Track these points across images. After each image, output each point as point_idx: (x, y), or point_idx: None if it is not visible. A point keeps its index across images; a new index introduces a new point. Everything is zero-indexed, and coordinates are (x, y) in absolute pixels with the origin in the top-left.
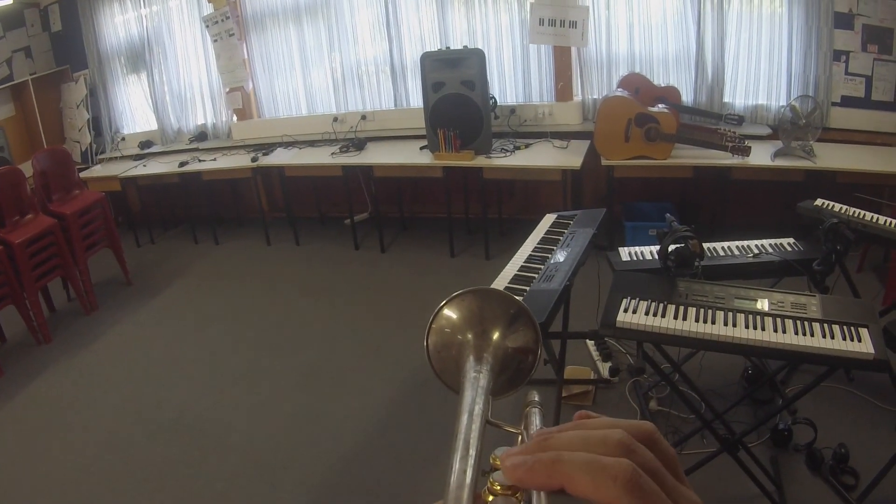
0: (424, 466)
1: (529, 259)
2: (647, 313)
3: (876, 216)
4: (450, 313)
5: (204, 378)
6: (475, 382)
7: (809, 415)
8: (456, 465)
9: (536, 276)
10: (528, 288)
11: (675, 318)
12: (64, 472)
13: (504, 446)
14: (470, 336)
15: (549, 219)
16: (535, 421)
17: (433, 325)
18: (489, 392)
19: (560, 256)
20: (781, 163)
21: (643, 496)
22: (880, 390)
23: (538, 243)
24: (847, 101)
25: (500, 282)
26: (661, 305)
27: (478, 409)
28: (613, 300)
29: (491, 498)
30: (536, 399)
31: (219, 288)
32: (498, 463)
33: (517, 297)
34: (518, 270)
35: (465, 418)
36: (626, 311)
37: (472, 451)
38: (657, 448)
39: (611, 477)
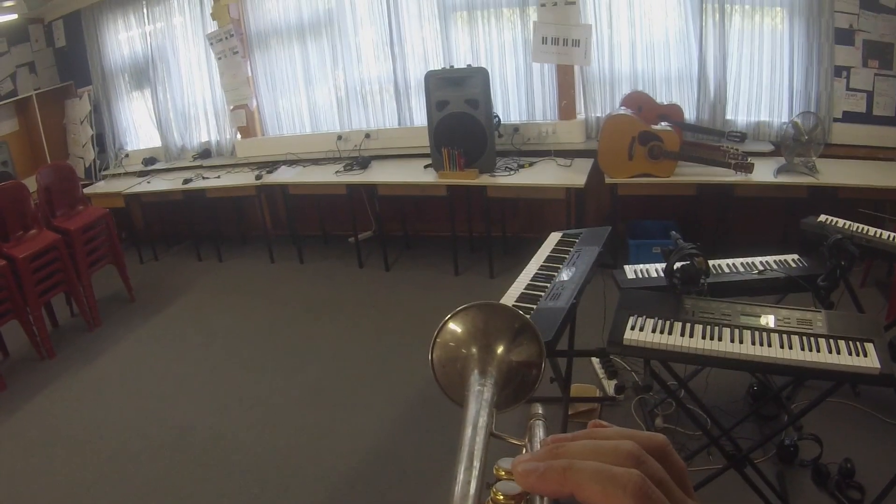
0: (428, 483)
1: (536, 277)
2: (654, 331)
3: (879, 231)
4: (454, 327)
5: (207, 395)
6: (479, 396)
7: (815, 430)
8: (460, 476)
9: (543, 294)
10: (535, 306)
11: (682, 335)
12: (65, 487)
13: (507, 457)
14: (474, 350)
15: (554, 237)
16: (539, 433)
17: (438, 340)
18: (493, 405)
19: (566, 275)
20: (784, 179)
21: None
22: (886, 405)
23: (544, 261)
24: (849, 117)
25: (507, 300)
26: (668, 323)
27: (482, 421)
28: (620, 318)
29: None
30: (540, 412)
31: (222, 305)
32: (502, 474)
33: (521, 312)
34: (525, 289)
35: (469, 431)
36: (633, 328)
37: (476, 463)
38: (668, 460)
39: (620, 486)
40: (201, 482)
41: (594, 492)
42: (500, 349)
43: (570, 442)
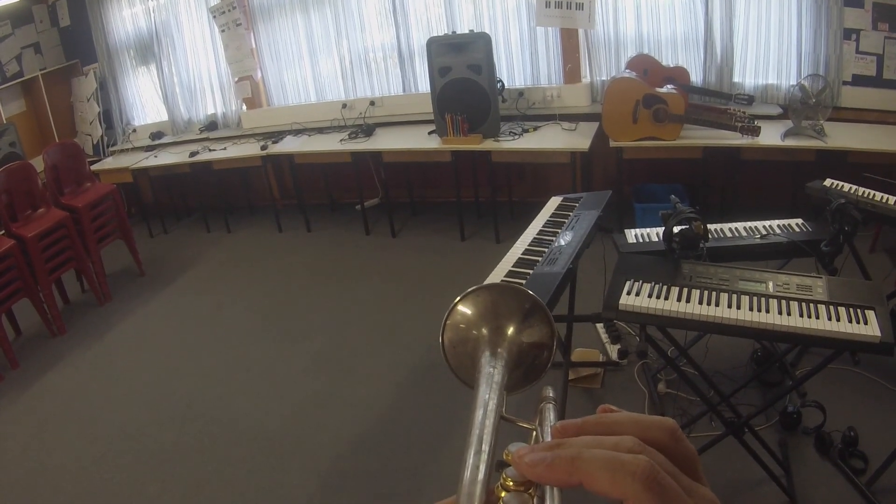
0: (432, 451)
1: (533, 242)
2: (650, 296)
3: (886, 196)
4: (464, 309)
5: (215, 366)
6: (490, 378)
7: (819, 397)
8: (469, 460)
9: (540, 259)
10: (531, 271)
11: (679, 300)
12: (78, 460)
13: (518, 442)
14: (485, 331)
15: (554, 202)
16: (550, 417)
17: (448, 322)
18: (503, 387)
19: (564, 239)
20: (791, 143)
21: (661, 492)
22: (891, 373)
23: (543, 226)
24: (858, 80)
25: (504, 266)
26: (665, 288)
27: (492, 404)
28: (617, 283)
29: (504, 493)
30: (551, 395)
31: (231, 276)
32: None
33: (530, 291)
34: (522, 254)
35: (479, 413)
36: (629, 293)
37: (486, 447)
38: (678, 445)
39: (629, 473)
40: (208, 451)
41: (603, 480)
42: (510, 330)
43: (574, 435)
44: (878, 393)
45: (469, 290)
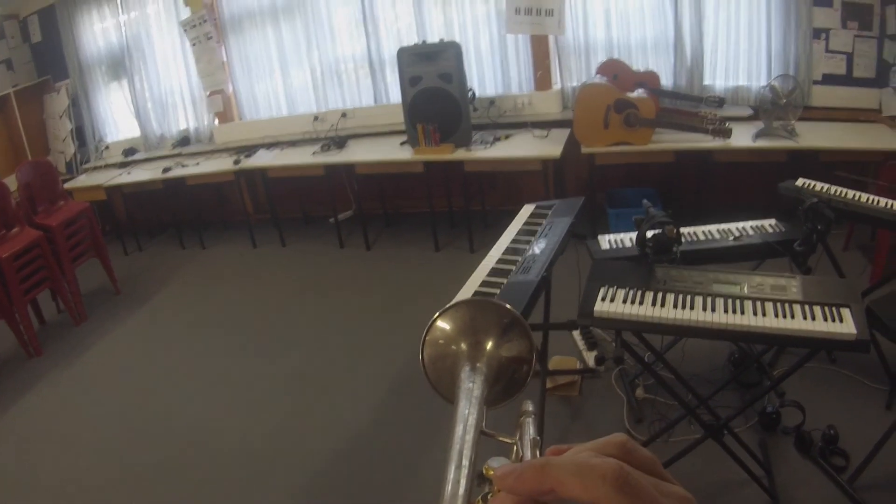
0: (411, 465)
1: (507, 251)
2: (624, 301)
3: (858, 194)
4: (443, 325)
5: (193, 383)
6: (469, 393)
7: (797, 396)
8: (450, 475)
9: (514, 268)
10: (505, 280)
11: (654, 305)
12: (58, 482)
13: (498, 457)
14: (464, 346)
15: (527, 209)
16: (530, 431)
17: (427, 338)
18: (483, 402)
19: (537, 247)
20: (763, 143)
21: (633, 493)
22: (868, 369)
23: (516, 235)
24: (828, 79)
25: (478, 275)
26: (639, 293)
27: (472, 419)
28: (591, 289)
29: None
30: (531, 409)
31: (206, 292)
32: (491, 473)
33: (508, 306)
34: (496, 263)
35: (459, 428)
36: (603, 299)
37: (466, 462)
38: (633, 456)
39: (599, 476)
40: (188, 469)
41: (574, 485)
42: (489, 345)
43: None
44: (856, 390)
45: (448, 305)
